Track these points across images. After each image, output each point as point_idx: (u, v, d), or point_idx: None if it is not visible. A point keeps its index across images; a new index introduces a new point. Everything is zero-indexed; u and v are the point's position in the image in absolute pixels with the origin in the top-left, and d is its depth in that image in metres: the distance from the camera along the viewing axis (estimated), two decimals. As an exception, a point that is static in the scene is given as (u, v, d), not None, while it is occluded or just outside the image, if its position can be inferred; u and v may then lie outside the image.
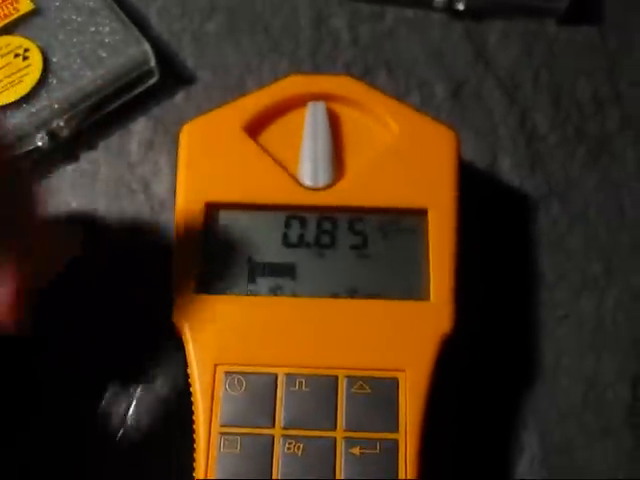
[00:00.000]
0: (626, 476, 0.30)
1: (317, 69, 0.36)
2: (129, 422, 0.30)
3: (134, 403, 0.30)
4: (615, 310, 0.33)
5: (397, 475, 0.26)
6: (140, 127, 0.35)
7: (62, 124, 0.33)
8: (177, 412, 0.29)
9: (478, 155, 0.35)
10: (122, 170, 0.35)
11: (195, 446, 0.27)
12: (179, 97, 0.36)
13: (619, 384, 0.32)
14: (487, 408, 0.31)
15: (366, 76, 0.36)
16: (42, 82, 0.33)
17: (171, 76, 0.36)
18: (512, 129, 0.35)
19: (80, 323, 0.31)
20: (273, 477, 0.26)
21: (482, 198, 0.34)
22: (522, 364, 0.32)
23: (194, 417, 0.27)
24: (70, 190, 0.34)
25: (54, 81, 0.33)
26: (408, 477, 0.26)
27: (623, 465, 0.31)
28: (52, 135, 0.33)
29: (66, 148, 0.34)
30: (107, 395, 0.30)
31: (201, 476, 0.26)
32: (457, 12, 0.37)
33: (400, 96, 0.35)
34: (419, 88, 0.36)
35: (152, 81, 0.35)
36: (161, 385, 0.31)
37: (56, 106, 0.33)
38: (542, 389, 0.31)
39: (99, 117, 0.35)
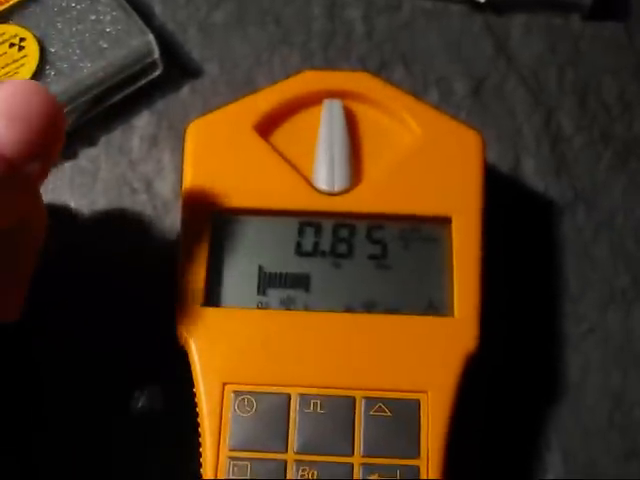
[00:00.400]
0: (653, 501, 0.29)
1: (330, 63, 0.34)
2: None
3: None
4: (643, 324, 0.31)
5: (418, 504, 0.24)
6: (143, 122, 0.33)
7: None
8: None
9: (500, 157, 0.33)
10: (123, 168, 0.33)
11: (202, 471, 0.25)
12: (184, 91, 0.34)
13: (647, 403, 0.30)
14: (509, 428, 0.29)
15: (381, 71, 0.34)
16: (39, 74, 0.31)
17: (176, 68, 0.34)
18: (536, 130, 0.34)
19: (83, 322, 0.30)
20: (285, 505, 0.24)
21: (504, 203, 0.32)
22: (545, 381, 0.30)
23: (201, 440, 0.25)
24: (68, 189, 0.32)
25: (52, 73, 0.31)
26: (430, 506, 0.24)
27: (650, 489, 0.29)
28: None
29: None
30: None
31: (208, 504, 0.24)
32: (477, 4, 0.35)
33: (417, 93, 0.33)
34: (437, 84, 0.34)
35: (156, 73, 0.33)
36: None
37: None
38: (566, 407, 0.30)
39: (99, 111, 0.33)
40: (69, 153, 0.32)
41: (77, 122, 0.32)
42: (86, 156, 0.33)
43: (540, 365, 0.30)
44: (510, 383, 0.30)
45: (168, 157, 0.33)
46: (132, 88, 0.33)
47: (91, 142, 0.33)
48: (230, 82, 0.34)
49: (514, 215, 0.32)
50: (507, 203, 0.32)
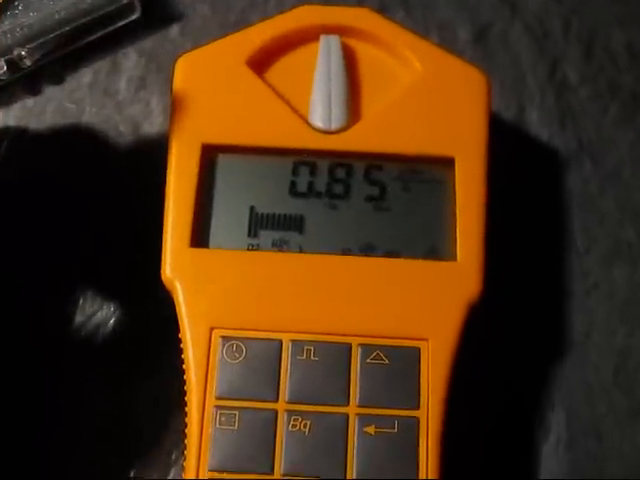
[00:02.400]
0: (658, 461, 0.27)
1: (328, 4, 0.32)
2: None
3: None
4: (649, 280, 0.30)
5: (417, 457, 0.23)
6: (130, 64, 0.32)
7: (24, 53, 0.29)
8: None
9: (504, 106, 0.32)
10: (109, 110, 0.31)
11: (187, 421, 0.24)
12: (174, 32, 0.32)
13: (653, 361, 0.29)
14: (512, 386, 0.28)
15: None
16: (6, 6, 0.29)
17: (165, 8, 0.32)
18: (541, 79, 0.32)
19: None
20: (275, 457, 0.23)
21: (508, 153, 0.30)
22: (548, 338, 0.29)
23: (186, 388, 0.24)
24: (52, 132, 0.30)
25: (20, 5, 0.29)
26: (429, 460, 0.23)
27: (654, 449, 0.28)
28: (12, 64, 0.29)
29: (29, 80, 0.31)
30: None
31: (193, 454, 0.23)
32: (481, -50, 0.34)
33: (418, 39, 0.31)
34: (439, 30, 0.33)
35: (133, 17, 0.31)
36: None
37: (18, 33, 0.29)
38: (570, 365, 0.29)
39: (77, 50, 0.31)
40: (35, 89, 0.30)
41: (44, 59, 0.30)
42: (70, 98, 0.31)
43: (543, 321, 0.29)
44: (513, 339, 0.29)
45: (156, 100, 0.31)
46: (108, 29, 0.31)
47: (59, 80, 0.31)
48: (222, 23, 0.32)
49: (518, 165, 0.31)
50: (511, 153, 0.31)
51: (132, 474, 0.27)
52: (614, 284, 0.29)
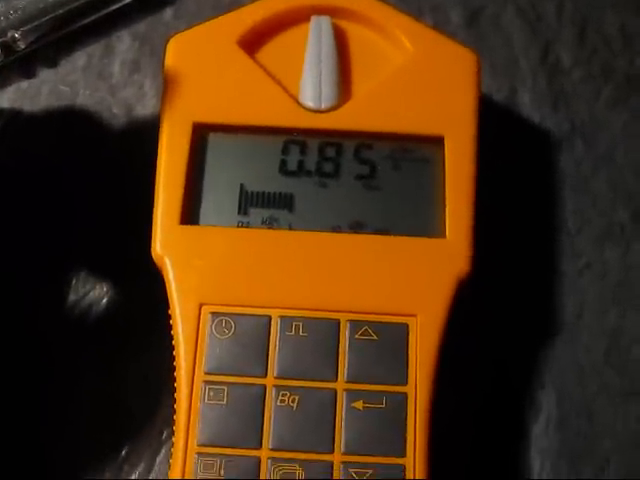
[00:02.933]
0: (649, 441, 0.27)
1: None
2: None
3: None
4: (642, 262, 0.30)
5: (405, 432, 0.23)
6: (124, 47, 0.32)
7: (18, 36, 0.29)
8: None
9: (496, 88, 0.32)
10: (103, 93, 0.31)
11: (176, 396, 0.24)
12: (167, 15, 0.32)
13: (645, 341, 0.29)
14: (501, 364, 0.28)
15: (373, -2, 0.32)
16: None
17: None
18: (533, 62, 0.32)
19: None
20: (264, 433, 0.23)
21: (500, 135, 0.30)
22: (540, 317, 0.29)
23: (175, 364, 0.24)
24: (46, 114, 0.31)
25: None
26: (417, 435, 0.23)
27: (646, 429, 0.28)
28: (6, 47, 0.30)
29: (23, 63, 0.31)
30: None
31: (182, 429, 0.23)
32: None
33: (411, 20, 0.31)
34: (432, 13, 0.33)
35: (127, 0, 0.31)
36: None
37: (12, 15, 0.29)
38: (561, 345, 0.29)
39: (71, 34, 0.31)
40: (29, 72, 0.31)
41: (38, 42, 0.30)
42: (64, 81, 0.31)
43: (535, 301, 0.29)
44: (504, 318, 0.29)
45: (150, 83, 0.31)
46: (102, 13, 0.31)
47: (53, 63, 0.31)
48: (215, 6, 0.32)
49: (510, 147, 0.31)
50: (503, 135, 0.31)
51: (123, 452, 0.27)
52: (606, 265, 0.30)
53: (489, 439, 0.27)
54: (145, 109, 0.31)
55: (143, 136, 0.30)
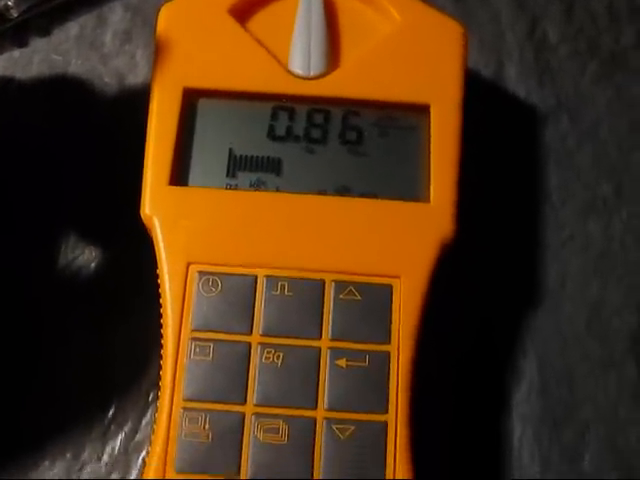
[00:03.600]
0: (627, 410, 0.28)
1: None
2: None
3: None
4: (624, 234, 0.30)
5: (387, 390, 0.23)
6: (116, 17, 0.32)
7: (10, 4, 0.30)
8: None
9: (482, 63, 0.32)
10: (95, 62, 0.31)
11: (162, 353, 0.24)
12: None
13: (625, 311, 0.29)
14: (484, 330, 0.29)
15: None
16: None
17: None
18: (520, 37, 0.33)
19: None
20: (248, 388, 0.23)
21: (486, 108, 0.31)
22: (523, 287, 0.29)
23: (162, 322, 0.24)
24: (38, 82, 0.31)
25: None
26: (399, 393, 0.23)
27: (625, 398, 0.28)
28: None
29: (15, 33, 0.31)
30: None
31: (168, 385, 0.23)
32: None
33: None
34: (421, -12, 0.33)
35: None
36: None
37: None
38: (544, 314, 0.29)
39: (64, 4, 0.31)
40: (21, 41, 0.31)
41: (31, 12, 0.31)
42: (57, 50, 0.32)
43: (519, 271, 0.29)
44: (488, 287, 0.29)
45: (141, 53, 0.32)
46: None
47: (45, 33, 0.31)
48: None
49: (497, 120, 0.31)
50: (490, 108, 0.31)
51: (110, 413, 0.27)
52: (589, 237, 0.30)
53: (471, 403, 0.28)
54: (136, 78, 0.31)
55: (134, 104, 0.30)
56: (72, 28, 0.32)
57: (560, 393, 0.28)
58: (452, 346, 0.28)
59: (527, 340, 0.29)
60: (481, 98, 0.31)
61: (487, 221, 0.30)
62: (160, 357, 0.24)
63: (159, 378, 0.25)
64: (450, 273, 0.26)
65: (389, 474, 0.23)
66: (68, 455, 0.26)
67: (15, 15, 0.31)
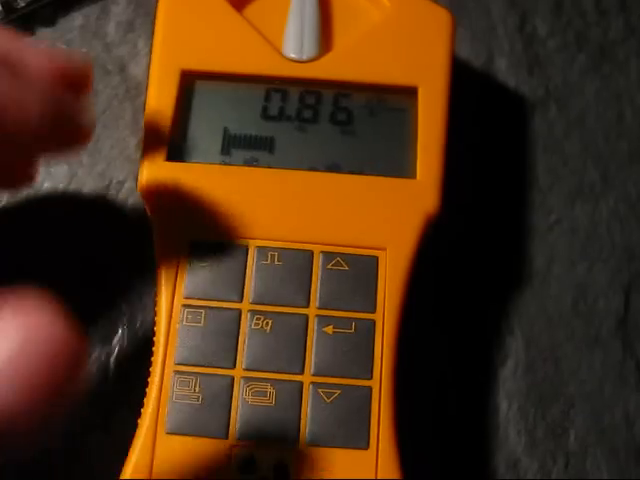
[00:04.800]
0: (612, 388, 0.29)
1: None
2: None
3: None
4: (610, 219, 0.31)
5: (372, 358, 0.24)
6: (119, 8, 0.33)
7: (19, -6, 0.31)
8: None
9: (473, 54, 0.33)
10: (98, 51, 0.33)
11: (156, 319, 0.25)
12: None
13: (611, 293, 0.30)
14: (471, 309, 0.29)
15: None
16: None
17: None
18: (510, 30, 0.34)
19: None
20: (238, 354, 0.24)
21: (477, 98, 0.32)
22: (511, 267, 0.30)
23: (156, 290, 0.25)
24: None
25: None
26: (384, 360, 0.24)
27: (610, 377, 0.29)
28: (6, 4, 0.32)
29: (22, 22, 0.33)
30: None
31: (160, 349, 0.24)
32: None
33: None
34: (415, -17, 0.34)
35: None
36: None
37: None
38: (530, 294, 0.30)
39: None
40: (28, 31, 0.32)
41: (37, 2, 0.32)
42: (61, 39, 0.33)
43: (507, 251, 0.30)
44: (476, 265, 0.30)
45: (144, 42, 0.33)
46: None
47: (51, 23, 0.32)
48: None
49: (487, 109, 0.32)
50: (480, 98, 0.32)
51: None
52: (576, 221, 0.31)
53: (457, 379, 0.28)
54: (138, 66, 0.32)
55: (136, 90, 0.31)
56: (76, 18, 0.33)
57: (546, 371, 0.29)
58: (439, 323, 0.29)
59: (514, 319, 0.29)
60: (472, 88, 0.32)
61: (477, 204, 0.30)
62: (153, 324, 0.25)
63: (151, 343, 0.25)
64: (438, 254, 0.27)
65: (373, 437, 0.23)
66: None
67: (23, 5, 0.32)
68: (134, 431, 0.24)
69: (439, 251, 0.28)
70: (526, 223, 0.31)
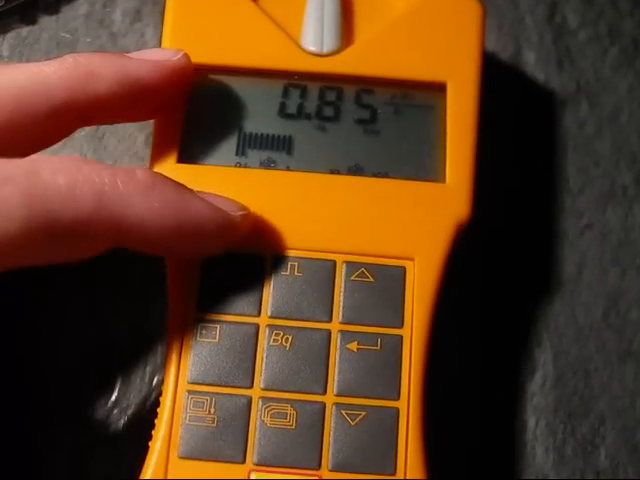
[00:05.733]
0: (645, 403, 0.27)
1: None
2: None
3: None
4: (643, 223, 0.29)
5: (399, 376, 0.23)
6: (125, -4, 0.31)
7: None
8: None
9: (501, 47, 0.31)
10: (104, 40, 0.31)
11: (167, 335, 0.23)
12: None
13: (644, 302, 0.28)
14: (498, 319, 0.28)
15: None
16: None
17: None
18: (539, 21, 0.32)
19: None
20: (255, 372, 0.22)
21: (505, 93, 0.30)
22: (539, 274, 0.29)
23: (168, 302, 0.24)
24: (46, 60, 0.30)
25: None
26: (412, 379, 0.23)
27: (643, 391, 0.27)
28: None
29: (24, 10, 0.31)
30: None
31: (172, 367, 0.22)
32: None
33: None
34: (438, -30, 0.32)
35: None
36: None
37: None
38: (560, 303, 0.28)
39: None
40: (30, 19, 0.30)
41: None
42: (65, 28, 0.31)
43: (535, 258, 0.29)
44: (502, 274, 0.28)
45: (151, 32, 0.31)
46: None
47: (54, 11, 0.31)
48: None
49: (514, 105, 0.30)
50: (507, 92, 0.30)
51: (113, 398, 0.26)
52: (607, 225, 0.29)
53: (484, 394, 0.27)
54: (145, 57, 0.30)
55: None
56: (81, 6, 0.31)
57: (575, 385, 0.27)
58: (465, 335, 0.27)
59: (542, 329, 0.28)
60: (499, 83, 0.30)
61: (503, 207, 0.29)
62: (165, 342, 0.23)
63: (163, 365, 0.24)
64: (465, 259, 0.26)
65: (400, 462, 0.22)
66: (70, 439, 0.26)
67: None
68: (144, 454, 0.22)
69: (464, 257, 0.26)
70: (555, 228, 0.29)
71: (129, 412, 0.26)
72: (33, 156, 0.21)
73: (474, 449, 0.26)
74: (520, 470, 0.26)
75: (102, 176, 0.20)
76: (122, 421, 0.26)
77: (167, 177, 0.22)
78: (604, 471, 0.27)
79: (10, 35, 0.31)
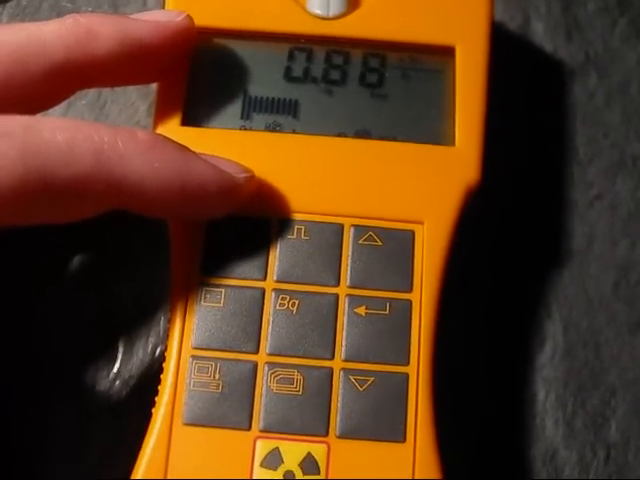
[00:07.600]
0: (656, 376, 0.27)
1: None
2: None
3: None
4: (654, 194, 0.29)
5: (409, 341, 0.22)
6: (126, -35, 0.31)
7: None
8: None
9: (509, 17, 0.31)
10: (105, 8, 0.30)
11: (171, 299, 0.23)
12: None
13: (655, 274, 0.28)
14: (507, 291, 0.27)
15: None
16: None
17: None
18: (548, -8, 0.31)
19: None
20: (261, 337, 0.22)
21: (511, 64, 0.30)
22: (548, 245, 0.28)
23: (172, 269, 0.23)
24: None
25: None
26: (421, 344, 0.22)
27: (654, 364, 0.27)
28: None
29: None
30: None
31: (176, 332, 0.22)
32: None
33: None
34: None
35: None
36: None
37: None
38: (569, 275, 0.28)
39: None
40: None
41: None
42: (65, -2, 0.31)
43: (544, 228, 0.28)
44: (511, 245, 0.28)
45: (153, 1, 0.30)
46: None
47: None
48: None
49: (523, 75, 0.30)
50: (515, 63, 0.30)
51: (115, 369, 0.26)
52: (617, 196, 0.29)
53: (492, 364, 0.26)
54: (147, 25, 0.30)
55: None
56: (82, -25, 0.31)
57: (585, 357, 0.27)
58: (474, 306, 0.27)
59: (552, 301, 0.27)
60: (507, 52, 0.29)
61: (512, 178, 0.28)
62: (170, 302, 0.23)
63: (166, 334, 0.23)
64: (474, 230, 0.25)
65: (410, 429, 0.21)
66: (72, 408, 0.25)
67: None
68: (147, 423, 0.21)
69: (472, 227, 0.26)
70: (564, 199, 0.29)
71: (131, 382, 0.26)
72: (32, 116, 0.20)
73: (483, 421, 0.26)
74: (529, 442, 0.26)
75: (102, 135, 0.20)
76: (125, 391, 0.26)
77: (169, 138, 0.21)
78: (615, 444, 0.26)
79: (10, 4, 0.30)
